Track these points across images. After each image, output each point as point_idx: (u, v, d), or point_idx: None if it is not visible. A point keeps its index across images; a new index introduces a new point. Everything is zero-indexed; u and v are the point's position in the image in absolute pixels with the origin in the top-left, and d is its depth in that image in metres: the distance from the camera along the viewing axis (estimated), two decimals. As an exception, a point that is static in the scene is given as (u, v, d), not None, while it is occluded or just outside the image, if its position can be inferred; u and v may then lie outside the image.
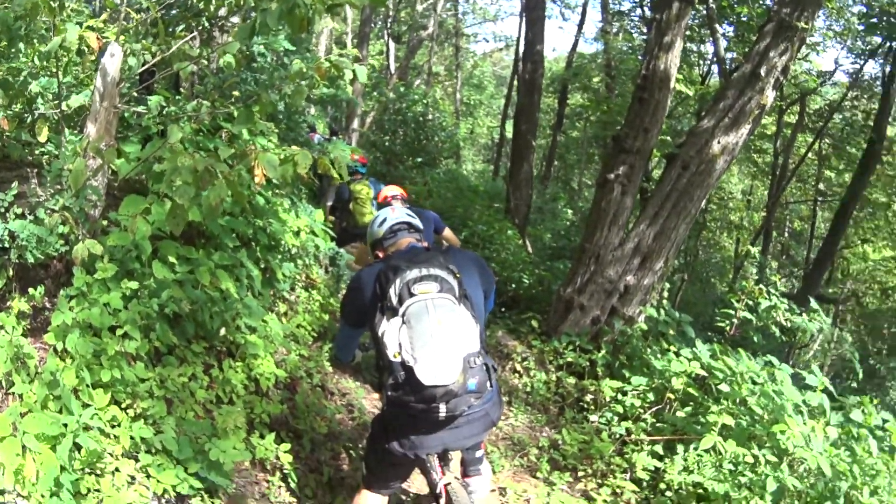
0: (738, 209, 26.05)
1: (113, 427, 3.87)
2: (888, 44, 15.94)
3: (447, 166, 25.28)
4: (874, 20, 14.73)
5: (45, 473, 3.17)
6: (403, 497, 5.62)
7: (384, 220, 4.13)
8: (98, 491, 3.54)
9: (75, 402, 3.54)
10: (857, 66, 18.54)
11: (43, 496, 3.19)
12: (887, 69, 16.48)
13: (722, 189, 23.47)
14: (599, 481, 6.05)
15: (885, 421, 5.41)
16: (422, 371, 3.39)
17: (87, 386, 3.79)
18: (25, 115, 5.09)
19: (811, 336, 6.73)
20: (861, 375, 7.14)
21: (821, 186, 22.18)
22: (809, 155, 20.50)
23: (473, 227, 15.02)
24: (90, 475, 3.56)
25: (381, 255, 4.14)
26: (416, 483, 5.83)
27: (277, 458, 4.98)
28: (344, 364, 4.34)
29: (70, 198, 4.21)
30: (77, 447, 3.43)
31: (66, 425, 3.35)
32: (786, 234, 27.57)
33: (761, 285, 6.94)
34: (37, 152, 5.11)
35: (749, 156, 21.67)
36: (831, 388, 5.67)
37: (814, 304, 6.94)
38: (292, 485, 5.07)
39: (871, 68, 18.51)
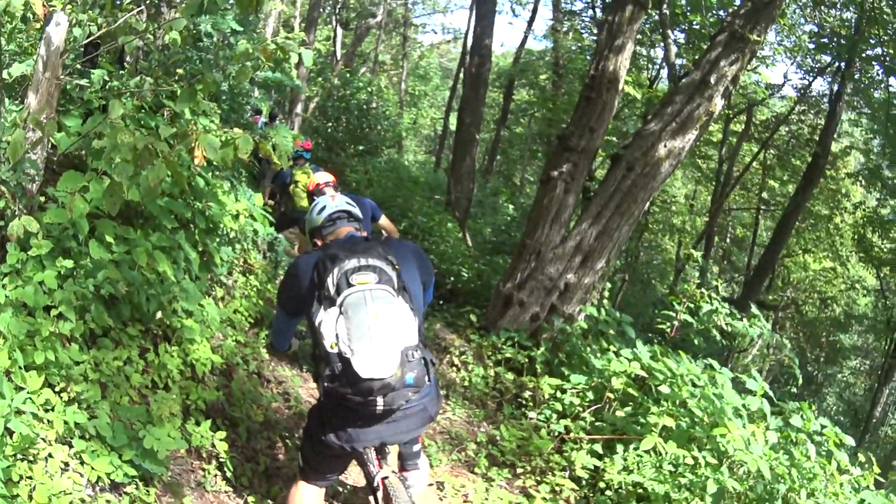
0: (681, 213, 26.38)
1: (46, 411, 3.72)
2: (837, 63, 16.28)
3: (389, 156, 25.34)
4: (825, 40, 15.13)
5: (-25, 460, 3.02)
6: (340, 489, 5.55)
7: (323, 207, 4.05)
8: (31, 478, 3.40)
9: (7, 385, 3.38)
10: (806, 83, 19.04)
11: (-27, 485, 3.04)
12: (835, 87, 16.86)
13: (665, 192, 23.70)
14: (538, 478, 6.03)
15: (822, 427, 5.48)
16: (359, 363, 3.32)
17: (20, 368, 3.62)
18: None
19: (751, 341, 6.81)
20: (801, 381, 7.23)
21: (764, 195, 22.58)
22: (754, 164, 20.82)
23: (413, 218, 14.97)
24: (22, 461, 3.42)
25: (319, 243, 4.06)
26: (352, 475, 5.77)
27: (213, 446, 4.87)
28: (280, 352, 4.25)
29: (7, 171, 4.03)
30: (9, 432, 3.28)
31: (-1, 409, 3.20)
32: (727, 240, 27.98)
33: (703, 289, 6.99)
34: (-28, 120, 4.91)
35: (694, 161, 21.93)
36: (770, 393, 5.72)
37: (754, 309, 7.00)
38: (228, 474, 4.97)
39: (819, 85, 19.00)
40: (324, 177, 7.41)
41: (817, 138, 17.53)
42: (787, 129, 20.66)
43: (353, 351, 3.33)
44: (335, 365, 3.42)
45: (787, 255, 22.61)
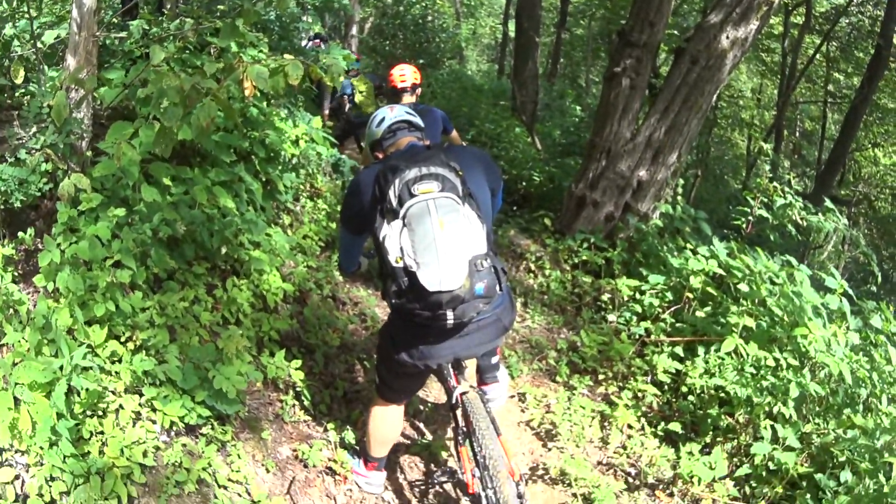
0: (749, 107, 25.51)
1: (113, 363, 3.74)
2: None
3: (450, 67, 24.93)
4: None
5: (41, 424, 3.03)
6: (421, 407, 5.56)
7: (382, 119, 3.90)
8: (101, 433, 3.43)
9: (69, 343, 3.38)
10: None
11: (42, 448, 3.06)
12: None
13: (732, 86, 22.92)
14: (620, 384, 5.95)
15: (903, 329, 5.24)
16: (425, 276, 3.23)
17: (83, 324, 3.63)
18: (3, 60, 4.85)
19: (826, 236, 6.49)
20: (880, 277, 6.92)
21: (830, 88, 21.63)
22: (818, 57, 19.96)
23: (480, 126, 14.72)
24: (91, 417, 3.44)
25: (380, 156, 3.92)
26: (433, 392, 5.78)
27: (289, 375, 4.88)
28: (349, 274, 4.19)
29: (52, 133, 3.99)
30: (75, 391, 3.29)
31: (62, 368, 3.20)
32: (797, 134, 26.99)
33: (776, 183, 6.70)
34: (17, 95, 4.88)
35: (757, 54, 21.22)
36: (850, 291, 5.48)
37: (829, 203, 6.70)
38: (306, 402, 5.01)
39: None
40: (404, 70, 6.96)
41: (878, 30, 16.63)
42: (847, 20, 19.71)
43: (418, 264, 3.25)
44: (401, 280, 3.34)
45: (857, 150, 21.62)
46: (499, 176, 3.96)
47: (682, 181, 9.30)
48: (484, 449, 3.75)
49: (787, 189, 6.72)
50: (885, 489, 3.89)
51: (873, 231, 23.98)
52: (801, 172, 24.90)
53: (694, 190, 11.96)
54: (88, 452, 3.27)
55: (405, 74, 6.88)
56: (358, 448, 4.71)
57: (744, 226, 6.67)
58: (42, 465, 3.09)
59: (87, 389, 3.29)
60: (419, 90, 7.08)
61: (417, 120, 3.95)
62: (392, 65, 8.01)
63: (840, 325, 5.16)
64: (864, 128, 20.39)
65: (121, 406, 3.60)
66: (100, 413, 3.50)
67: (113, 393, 3.61)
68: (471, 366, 4.56)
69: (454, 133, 7.14)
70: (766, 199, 6.64)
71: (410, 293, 3.34)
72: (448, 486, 4.73)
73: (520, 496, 3.76)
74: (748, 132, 23.88)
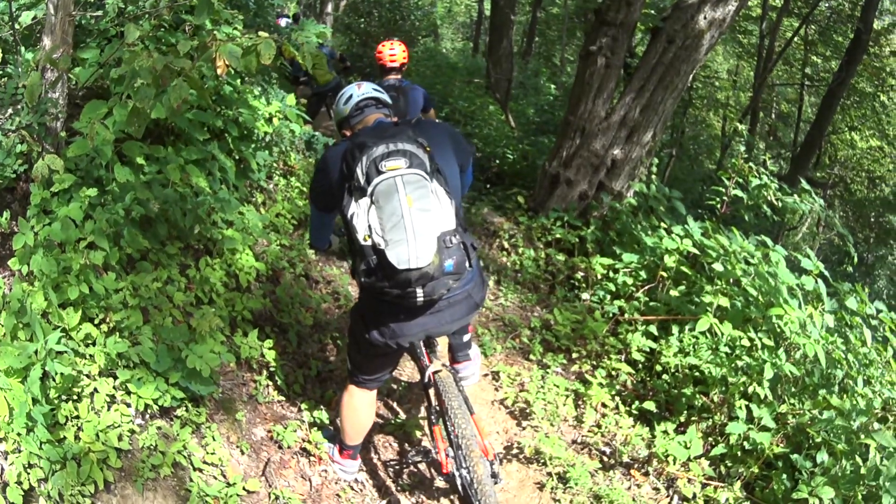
0: (725, 88, 25.59)
1: (87, 346, 3.69)
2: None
3: (425, 45, 24.86)
4: None
5: (17, 410, 2.99)
6: (395, 386, 5.57)
7: (350, 96, 3.84)
8: (77, 417, 3.39)
9: (44, 327, 3.33)
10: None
11: (19, 434, 3.02)
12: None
13: (708, 67, 22.98)
14: (594, 363, 5.97)
15: (878, 311, 5.27)
16: (393, 254, 3.21)
17: (57, 308, 3.58)
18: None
19: (801, 217, 6.53)
20: (856, 259, 6.96)
21: (807, 71, 21.69)
22: (795, 40, 19.98)
23: (454, 103, 14.75)
24: (67, 402, 3.40)
25: (348, 133, 3.87)
26: (406, 371, 5.78)
27: (263, 355, 4.86)
28: (320, 251, 4.14)
29: (27, 115, 3.92)
30: (50, 375, 3.25)
31: (37, 353, 3.15)
32: (773, 116, 27.06)
33: (751, 164, 6.71)
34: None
35: (735, 36, 21.29)
36: (825, 273, 5.52)
37: (804, 184, 6.73)
38: (280, 382, 4.99)
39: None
40: (395, 49, 7.21)
41: (858, 14, 16.70)
42: (826, 4, 19.78)
43: (386, 241, 3.22)
44: (370, 258, 3.33)
45: (833, 133, 21.74)
46: (468, 151, 3.94)
47: (656, 160, 9.31)
48: (457, 428, 3.77)
49: (762, 170, 6.73)
50: (862, 470, 3.94)
51: (849, 214, 24.19)
52: (777, 154, 25.05)
53: (669, 169, 12.00)
54: (64, 438, 3.23)
55: (395, 54, 7.09)
56: (332, 431, 4.70)
57: (718, 206, 6.69)
58: (20, 451, 3.05)
59: (61, 374, 3.25)
60: (405, 67, 7.25)
61: (385, 96, 3.89)
62: (366, 42, 8.08)
63: (816, 307, 5.19)
64: (842, 111, 20.50)
65: (95, 390, 3.56)
66: (75, 397, 3.46)
67: (87, 376, 3.56)
68: (443, 344, 4.56)
69: (431, 112, 7.20)
70: (741, 180, 6.66)
71: (379, 271, 3.33)
72: (422, 466, 4.75)
73: (494, 475, 3.79)
74: (724, 113, 23.98)
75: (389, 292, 3.40)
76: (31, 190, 3.86)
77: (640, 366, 5.80)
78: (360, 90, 3.84)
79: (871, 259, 22.12)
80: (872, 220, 23.40)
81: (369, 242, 3.30)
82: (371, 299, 3.70)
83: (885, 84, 20.34)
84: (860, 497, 3.93)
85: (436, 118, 7.65)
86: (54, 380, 3.27)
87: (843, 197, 24.21)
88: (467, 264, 3.44)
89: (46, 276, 3.59)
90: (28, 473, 3.03)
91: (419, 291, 3.38)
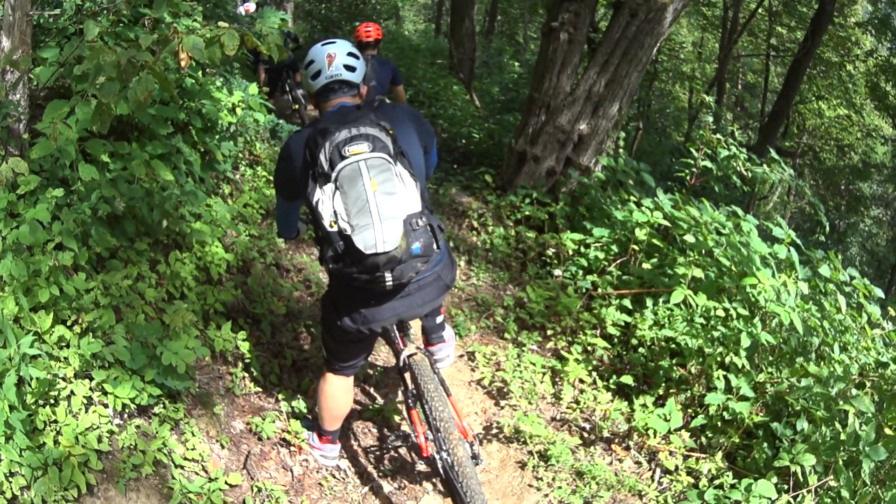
0: (690, 60, 25.69)
1: (61, 349, 3.64)
2: None
3: (387, 28, 24.78)
4: None
5: (-6, 418, 2.95)
6: (371, 371, 5.56)
7: (318, 72, 3.67)
8: (55, 422, 3.35)
9: (16, 332, 3.27)
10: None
11: (-1, 443, 2.99)
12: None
13: (672, 40, 23.04)
14: (569, 339, 6.00)
15: (851, 278, 5.32)
16: (360, 239, 3.20)
17: (29, 311, 3.53)
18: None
19: (771, 187, 6.60)
20: (828, 227, 7.03)
21: (773, 41, 21.78)
22: (759, 11, 20.04)
23: (418, 85, 14.77)
24: (44, 407, 3.36)
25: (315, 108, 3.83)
26: (382, 355, 5.77)
27: (237, 347, 4.84)
28: (288, 240, 4.10)
29: (-13, 119, 3.86)
30: (25, 381, 3.20)
31: (10, 359, 3.11)
32: (739, 87, 27.20)
33: (719, 135, 6.74)
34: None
35: (698, 8, 21.32)
36: (798, 241, 5.56)
37: (773, 154, 6.77)
38: (256, 374, 4.96)
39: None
40: (370, 26, 7.89)
41: None
42: None
43: (352, 227, 3.21)
44: (337, 244, 3.33)
45: (801, 102, 21.84)
46: (431, 133, 3.91)
47: (623, 134, 9.34)
48: (434, 411, 3.77)
49: (730, 140, 6.77)
50: (842, 436, 3.99)
51: (819, 182, 24.44)
52: (745, 125, 25.22)
53: (636, 143, 12.05)
54: (44, 443, 3.19)
55: (370, 30, 7.74)
56: (311, 420, 4.69)
57: (688, 178, 6.72)
58: (0, 460, 3.01)
59: (37, 378, 3.21)
60: (380, 45, 7.87)
61: (352, 76, 3.70)
62: (327, 28, 8.36)
63: (789, 275, 5.23)
64: (808, 81, 20.62)
65: (72, 392, 3.51)
66: (52, 401, 3.41)
67: (63, 379, 3.51)
68: (416, 327, 4.56)
69: (400, 87, 7.81)
70: (709, 151, 6.69)
71: (347, 257, 3.32)
72: (403, 451, 4.76)
73: (475, 456, 3.80)
74: (690, 85, 24.05)
75: (358, 277, 3.39)
76: (-3, 194, 3.80)
77: (616, 340, 5.83)
78: (329, 69, 3.65)
79: (842, 227, 22.40)
80: (843, 188, 23.68)
81: (335, 228, 3.29)
82: (341, 286, 3.69)
83: (851, 53, 20.47)
84: (841, 463, 3.99)
85: (404, 94, 8.06)
86: (30, 385, 3.23)
87: (813, 166, 24.49)
88: (435, 246, 3.44)
89: (16, 280, 3.54)
90: (10, 482, 2.99)
91: (388, 276, 3.38)
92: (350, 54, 3.68)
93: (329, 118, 3.48)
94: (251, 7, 11.34)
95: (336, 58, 3.65)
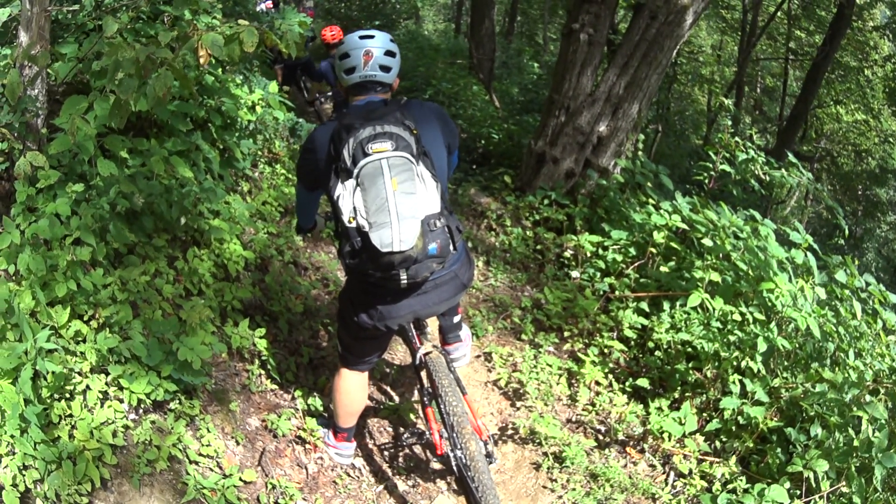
0: (709, 63, 25.53)
1: (77, 343, 3.66)
2: None
3: (406, 28, 24.77)
4: None
5: (10, 411, 2.96)
6: (388, 369, 5.56)
7: (353, 69, 3.62)
8: (70, 416, 3.37)
9: (33, 326, 3.29)
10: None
11: (13, 437, 2.99)
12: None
13: (692, 42, 22.93)
14: (586, 341, 5.98)
15: (867, 283, 5.28)
16: (377, 236, 3.19)
17: (45, 306, 3.54)
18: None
19: (789, 191, 6.55)
20: (847, 231, 6.97)
21: (791, 45, 21.65)
22: (778, 14, 19.91)
23: (437, 85, 14.70)
24: (59, 401, 3.38)
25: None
26: (399, 354, 5.77)
27: (254, 344, 4.84)
28: (306, 232, 4.09)
29: (7, 113, 3.88)
30: (41, 375, 3.22)
31: (26, 353, 3.12)
32: (758, 90, 27.01)
33: (737, 138, 6.71)
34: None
35: (717, 11, 21.18)
36: (815, 246, 5.52)
37: (791, 158, 6.73)
38: (272, 371, 4.97)
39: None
40: (334, 29, 8.52)
41: None
42: None
43: (371, 224, 3.20)
44: (355, 240, 3.32)
45: (819, 106, 21.68)
46: (455, 133, 3.88)
47: (642, 137, 9.31)
48: (449, 409, 3.78)
49: (748, 144, 6.74)
50: (855, 443, 3.96)
51: (836, 187, 24.23)
52: (763, 128, 25.03)
53: (655, 145, 11.98)
54: (58, 437, 3.20)
55: (335, 33, 8.30)
56: (326, 417, 4.70)
57: (706, 181, 6.69)
58: (14, 454, 3.03)
59: (53, 372, 3.22)
60: None
61: (386, 77, 3.66)
62: (347, 27, 8.41)
63: (806, 280, 5.20)
64: (826, 85, 20.44)
65: (87, 387, 3.53)
66: (67, 396, 3.44)
67: (79, 374, 3.54)
68: (433, 326, 4.56)
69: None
70: (728, 155, 6.66)
71: (364, 253, 3.31)
72: (417, 449, 4.77)
73: (488, 455, 3.80)
74: (708, 88, 23.92)
75: (373, 274, 3.42)
76: (17, 187, 3.82)
77: (633, 343, 5.81)
78: (366, 67, 3.60)
79: (859, 232, 22.22)
80: (860, 193, 23.48)
81: (354, 224, 3.29)
82: (357, 282, 3.72)
83: (869, 58, 20.32)
84: (853, 469, 3.96)
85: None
86: (46, 379, 3.24)
87: (830, 170, 24.28)
88: (451, 247, 3.43)
89: (34, 274, 3.56)
90: (23, 475, 3.00)
91: (402, 274, 3.39)
92: (388, 53, 3.63)
93: (355, 113, 3.46)
94: (270, 3, 11.40)
95: (373, 57, 3.59)
